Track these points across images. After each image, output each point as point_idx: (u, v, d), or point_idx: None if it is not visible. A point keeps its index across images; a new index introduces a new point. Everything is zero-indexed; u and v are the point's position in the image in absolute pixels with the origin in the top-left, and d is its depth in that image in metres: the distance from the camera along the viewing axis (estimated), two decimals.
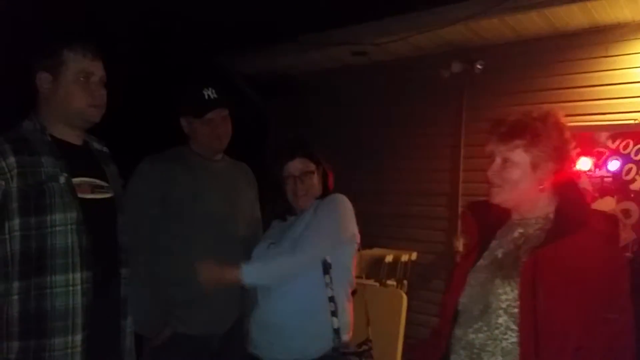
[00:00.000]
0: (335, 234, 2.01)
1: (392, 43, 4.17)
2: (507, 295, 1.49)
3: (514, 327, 1.47)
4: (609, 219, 1.57)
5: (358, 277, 4.12)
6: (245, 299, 2.19)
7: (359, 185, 4.60)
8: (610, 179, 3.55)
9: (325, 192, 2.15)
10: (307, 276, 1.99)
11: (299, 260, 1.95)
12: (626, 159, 3.49)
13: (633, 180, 3.45)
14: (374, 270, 4.17)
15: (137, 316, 1.91)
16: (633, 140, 3.49)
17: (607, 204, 3.48)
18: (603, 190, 3.55)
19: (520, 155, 1.56)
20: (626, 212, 3.44)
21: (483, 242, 1.67)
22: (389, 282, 4.06)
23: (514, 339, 1.46)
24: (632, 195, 3.44)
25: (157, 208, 2.12)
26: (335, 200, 2.08)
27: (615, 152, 3.54)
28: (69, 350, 1.59)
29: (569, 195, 1.60)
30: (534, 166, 1.56)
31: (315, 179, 2.11)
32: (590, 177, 3.60)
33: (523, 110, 1.62)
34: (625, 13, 3.44)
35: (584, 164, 3.64)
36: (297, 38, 4.49)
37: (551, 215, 1.59)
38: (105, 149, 1.90)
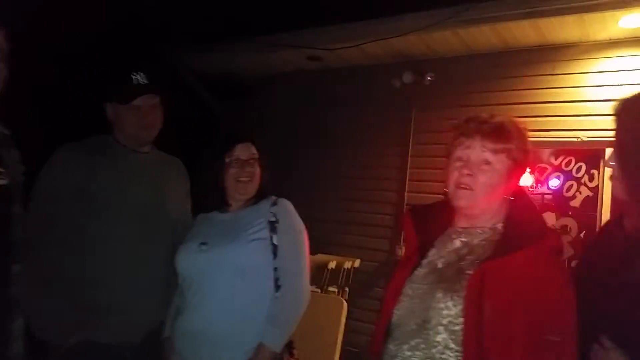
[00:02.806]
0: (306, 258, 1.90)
1: (346, 49, 3.98)
2: (449, 310, 1.29)
3: (452, 345, 1.27)
4: (557, 234, 1.40)
5: None
6: (166, 304, 1.90)
7: (305, 190, 4.37)
8: (550, 196, 3.46)
9: (263, 189, 1.93)
10: (251, 286, 1.79)
11: (304, 302, 1.86)
12: (567, 175, 3.42)
13: (573, 197, 3.36)
14: (316, 276, 3.94)
15: (41, 321, 1.65)
16: (575, 157, 3.42)
17: (546, 220, 3.39)
18: (543, 206, 3.45)
19: (502, 160, 1.38)
20: (565, 228, 3.35)
21: (422, 249, 1.47)
22: (331, 288, 3.84)
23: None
24: (571, 212, 3.36)
25: (71, 202, 1.82)
26: (298, 221, 1.93)
27: (558, 169, 3.46)
28: None
29: (522, 207, 1.42)
30: (509, 174, 1.39)
31: (258, 170, 1.92)
32: (531, 193, 3.51)
33: (502, 111, 1.50)
34: (573, 34, 3.38)
35: (526, 180, 3.55)
36: (252, 39, 4.24)
37: (499, 226, 1.41)
38: (7, 132, 1.58)
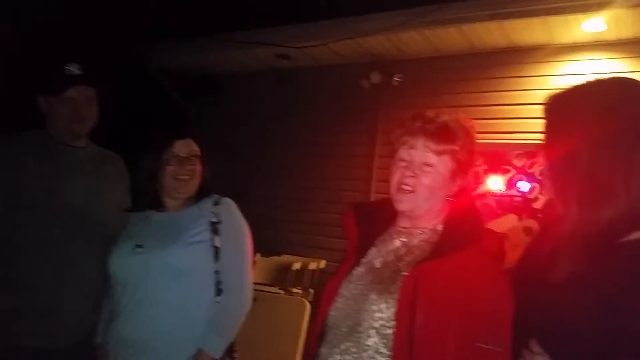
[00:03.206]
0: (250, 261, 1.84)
1: (315, 48, 3.92)
2: (382, 313, 1.23)
3: (383, 350, 1.21)
4: (499, 239, 1.35)
5: (263, 284, 3.85)
6: (98, 308, 1.81)
7: (271, 191, 4.32)
8: (519, 198, 3.44)
9: (204, 187, 1.84)
10: (190, 290, 1.71)
11: (246, 308, 1.78)
12: (530, 178, 3.39)
13: (536, 199, 3.34)
14: (281, 277, 3.88)
15: None
16: (538, 160, 3.37)
17: (509, 221, 3.37)
18: (507, 207, 3.43)
19: (445, 162, 1.32)
20: (528, 230, 3.32)
21: (362, 247, 1.40)
22: (295, 290, 3.76)
23: None
24: (534, 214, 3.33)
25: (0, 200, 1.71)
26: (241, 222, 1.84)
27: (521, 171, 3.43)
28: None
29: (462, 208, 1.36)
30: (453, 175, 1.34)
31: (199, 168, 1.81)
32: (500, 195, 3.49)
33: (448, 111, 1.39)
34: (538, 36, 3.35)
35: (495, 182, 3.53)
36: (221, 35, 4.15)
37: (439, 228, 1.35)
38: None
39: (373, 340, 1.23)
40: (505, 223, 3.37)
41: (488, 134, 3.46)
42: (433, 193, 1.33)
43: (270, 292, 3.73)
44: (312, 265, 3.93)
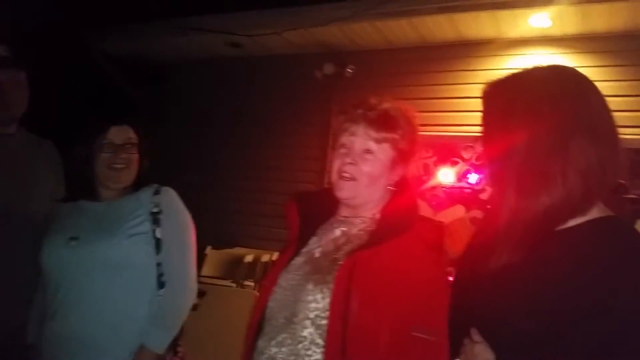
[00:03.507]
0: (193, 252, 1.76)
1: (266, 37, 3.85)
2: (317, 303, 1.20)
3: (319, 341, 1.19)
4: (437, 228, 1.33)
5: (214, 277, 3.77)
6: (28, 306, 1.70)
7: (222, 182, 4.22)
8: (468, 190, 3.49)
9: (142, 177, 1.75)
10: (131, 284, 1.63)
11: (190, 301, 1.72)
12: (478, 170, 3.45)
13: (484, 190, 3.40)
14: (232, 270, 3.80)
15: None
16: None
17: (457, 212, 3.42)
18: (456, 199, 3.48)
19: (386, 150, 1.30)
20: (475, 221, 3.38)
21: (303, 237, 1.37)
22: (247, 282, 3.70)
23: (319, 356, 1.18)
24: (480, 204, 3.39)
25: None
26: (184, 212, 1.76)
27: (470, 163, 3.49)
28: None
29: (400, 197, 1.34)
30: (394, 164, 1.32)
31: (136, 156, 1.72)
32: (450, 187, 3.54)
33: (391, 99, 1.36)
34: (487, 30, 3.40)
35: (445, 174, 3.57)
36: (168, 21, 4.01)
37: (377, 216, 1.33)
38: None
39: (308, 331, 1.20)
40: (454, 214, 3.42)
41: (438, 127, 3.50)
42: (373, 181, 1.31)
43: (221, 285, 3.66)
44: (265, 258, 3.87)
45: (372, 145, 1.30)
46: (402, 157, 1.33)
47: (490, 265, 1.02)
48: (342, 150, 1.33)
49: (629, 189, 2.02)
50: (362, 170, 1.29)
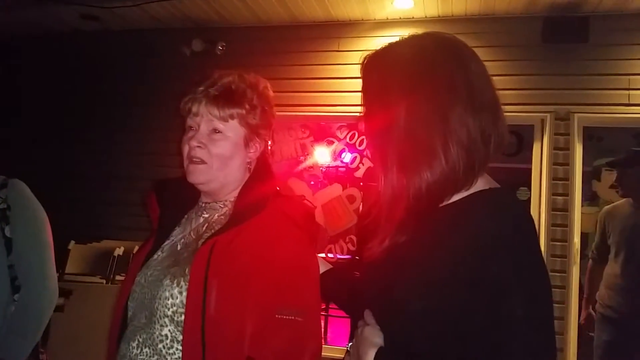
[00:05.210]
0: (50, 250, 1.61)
1: (126, 9, 3.49)
2: (174, 299, 1.09)
3: (181, 338, 1.09)
4: (302, 205, 1.28)
5: (80, 274, 3.42)
6: None
7: (85, 169, 3.83)
8: (344, 169, 3.54)
9: None
10: None
11: (52, 303, 1.58)
12: (352, 149, 3.51)
13: (357, 168, 3.47)
14: (101, 265, 3.47)
15: None
16: (358, 132, 3.51)
17: (334, 191, 3.47)
18: (332, 177, 3.52)
19: (235, 128, 1.19)
20: (351, 198, 3.45)
21: (165, 229, 1.24)
22: (119, 277, 3.41)
23: (182, 354, 1.08)
24: (357, 182, 3.46)
25: None
26: (35, 205, 1.58)
27: (344, 143, 3.54)
28: None
29: (257, 176, 1.25)
30: (247, 141, 1.21)
31: None
32: (326, 166, 3.55)
33: (235, 71, 1.23)
34: (355, 12, 3.44)
35: (321, 154, 3.57)
36: None
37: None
38: None
39: (168, 329, 1.10)
40: (332, 193, 3.46)
41: (312, 107, 3.50)
42: (225, 162, 1.20)
43: (89, 282, 3.34)
44: (137, 249, 3.59)
45: (219, 125, 1.18)
46: (254, 132, 1.22)
47: (377, 245, 0.98)
48: (190, 134, 1.20)
49: None
50: (212, 152, 1.18)
